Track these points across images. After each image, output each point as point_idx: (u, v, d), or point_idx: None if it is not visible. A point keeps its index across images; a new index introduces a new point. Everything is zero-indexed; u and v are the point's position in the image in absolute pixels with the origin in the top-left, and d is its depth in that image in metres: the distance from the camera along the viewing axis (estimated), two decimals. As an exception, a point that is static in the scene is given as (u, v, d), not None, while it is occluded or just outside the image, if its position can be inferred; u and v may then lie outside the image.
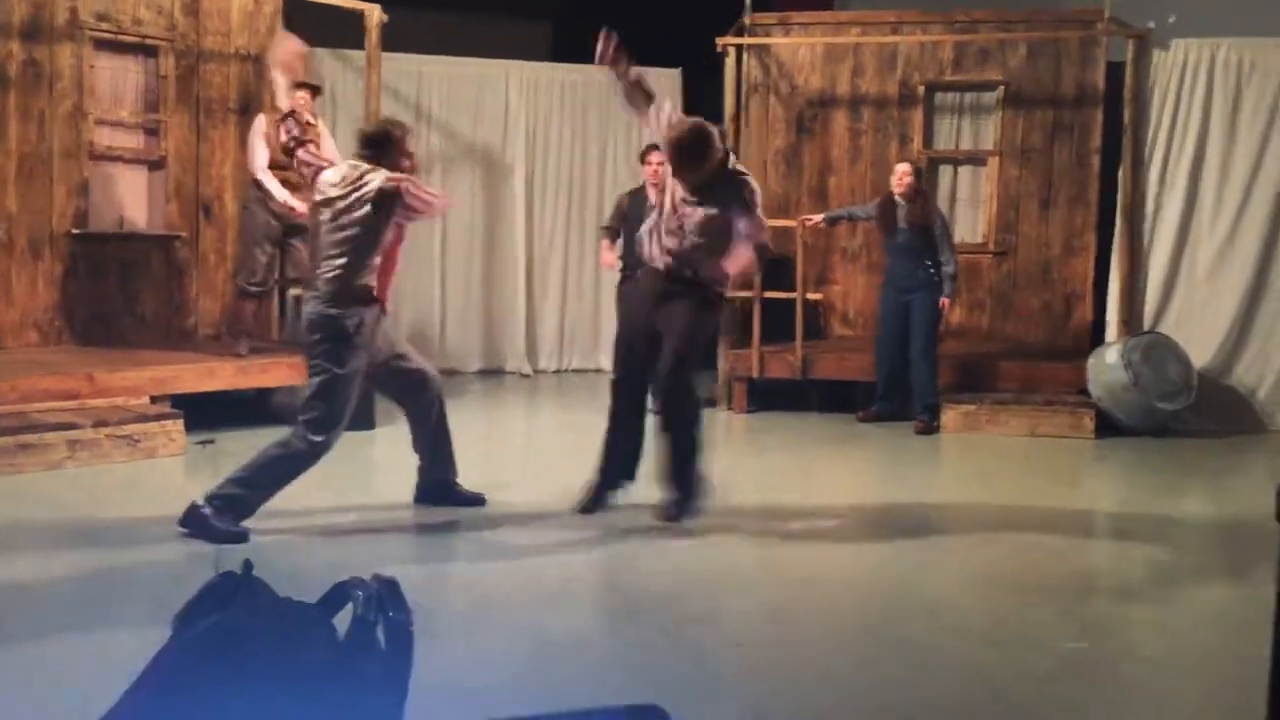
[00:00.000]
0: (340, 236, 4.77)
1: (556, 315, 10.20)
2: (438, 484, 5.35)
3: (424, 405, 5.23)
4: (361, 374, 4.88)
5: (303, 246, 6.81)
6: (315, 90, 7.35)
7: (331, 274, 4.77)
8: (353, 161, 4.90)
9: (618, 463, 5.28)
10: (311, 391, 4.81)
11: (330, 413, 4.78)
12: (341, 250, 4.77)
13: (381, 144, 4.90)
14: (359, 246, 4.76)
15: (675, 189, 5.11)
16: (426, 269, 9.81)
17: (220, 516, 4.68)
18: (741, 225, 4.94)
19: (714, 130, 5.06)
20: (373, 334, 4.87)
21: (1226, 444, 7.65)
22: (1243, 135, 8.05)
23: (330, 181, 4.84)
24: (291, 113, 5.11)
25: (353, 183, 4.78)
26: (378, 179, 4.76)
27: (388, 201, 4.73)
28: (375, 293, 4.85)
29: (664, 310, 5.11)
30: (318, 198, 4.89)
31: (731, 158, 5.17)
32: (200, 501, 4.70)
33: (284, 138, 5.12)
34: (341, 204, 4.77)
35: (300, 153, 4.98)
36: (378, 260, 4.83)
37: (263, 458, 4.78)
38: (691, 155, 4.93)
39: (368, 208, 4.72)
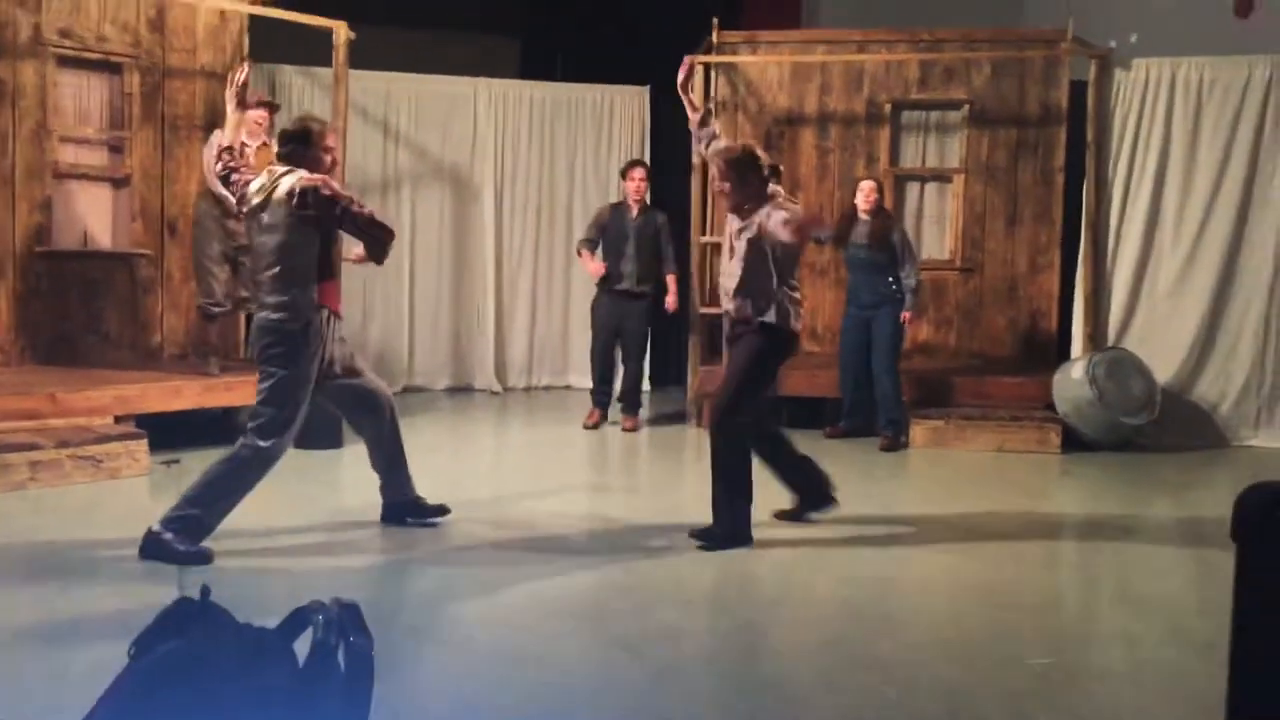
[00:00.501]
0: (272, 243, 4.74)
1: (526, 333, 10.19)
2: (400, 502, 5.33)
3: (378, 424, 5.21)
4: (311, 379, 4.81)
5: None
6: (273, 108, 7.33)
7: (271, 281, 4.73)
8: (270, 167, 4.88)
9: None
10: (261, 397, 4.77)
11: (278, 417, 4.73)
12: (275, 256, 4.73)
13: (298, 139, 4.85)
14: (290, 250, 4.72)
15: (730, 226, 5.22)
16: (395, 286, 9.77)
17: (180, 539, 4.63)
18: (771, 223, 4.97)
19: (761, 155, 5.18)
20: (323, 338, 4.82)
21: (1190, 458, 7.73)
22: (1204, 152, 8.15)
23: (253, 190, 4.82)
24: (230, 147, 5.05)
25: (270, 186, 4.75)
26: (291, 179, 4.73)
27: (306, 199, 4.68)
28: (319, 296, 4.79)
29: (732, 352, 5.29)
30: (245, 209, 4.88)
31: (773, 186, 5.24)
32: (157, 527, 4.65)
33: (219, 168, 5.04)
34: (263, 210, 4.75)
35: (232, 177, 4.95)
36: (313, 262, 4.78)
37: (212, 473, 4.73)
38: (734, 169, 5.11)
39: (287, 209, 4.68)
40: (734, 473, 5.17)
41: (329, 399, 5.15)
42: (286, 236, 4.71)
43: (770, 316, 5.11)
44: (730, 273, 5.18)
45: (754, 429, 5.25)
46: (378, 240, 4.87)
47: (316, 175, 4.77)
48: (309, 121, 4.98)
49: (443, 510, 5.36)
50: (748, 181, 5.11)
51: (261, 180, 4.81)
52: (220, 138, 7.13)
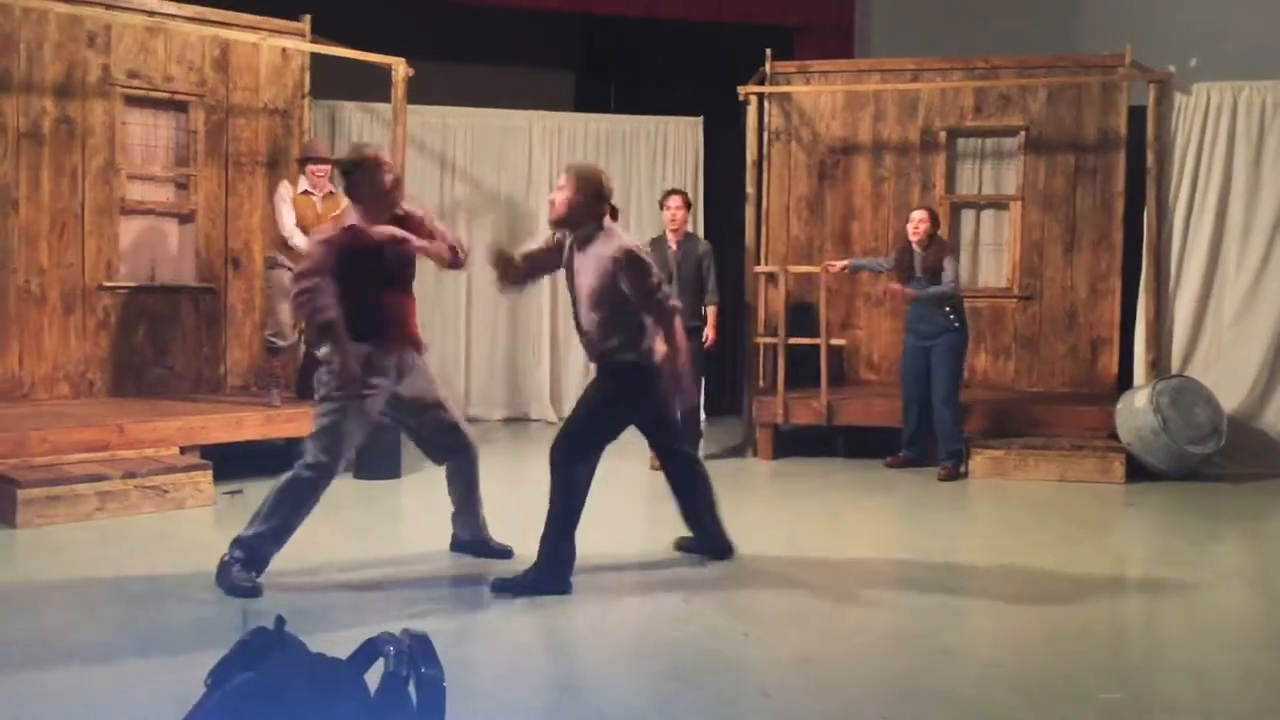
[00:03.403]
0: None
1: (581, 362, 10.22)
2: (465, 540, 5.40)
3: (453, 459, 5.27)
4: (368, 408, 4.86)
5: None
6: (332, 163, 7.57)
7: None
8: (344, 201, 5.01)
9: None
10: (318, 421, 4.86)
11: (331, 438, 4.80)
12: (342, 288, 4.81)
13: (354, 169, 4.90)
14: (350, 283, 4.80)
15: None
16: (452, 317, 9.87)
17: (243, 567, 4.70)
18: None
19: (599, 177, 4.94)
20: (392, 370, 4.91)
21: (1257, 488, 7.57)
22: (1267, 177, 8.04)
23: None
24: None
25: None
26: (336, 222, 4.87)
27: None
28: (369, 331, 4.84)
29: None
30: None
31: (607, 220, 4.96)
32: (225, 553, 4.75)
33: None
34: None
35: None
36: (378, 294, 4.85)
37: (273, 495, 4.80)
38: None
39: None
40: (554, 508, 4.91)
41: (408, 432, 5.27)
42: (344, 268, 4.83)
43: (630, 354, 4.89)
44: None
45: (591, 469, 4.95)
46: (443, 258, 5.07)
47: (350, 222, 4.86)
48: (360, 149, 5.05)
49: (506, 553, 5.35)
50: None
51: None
52: (288, 190, 7.37)
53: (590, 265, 4.86)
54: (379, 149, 5.08)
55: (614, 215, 5.08)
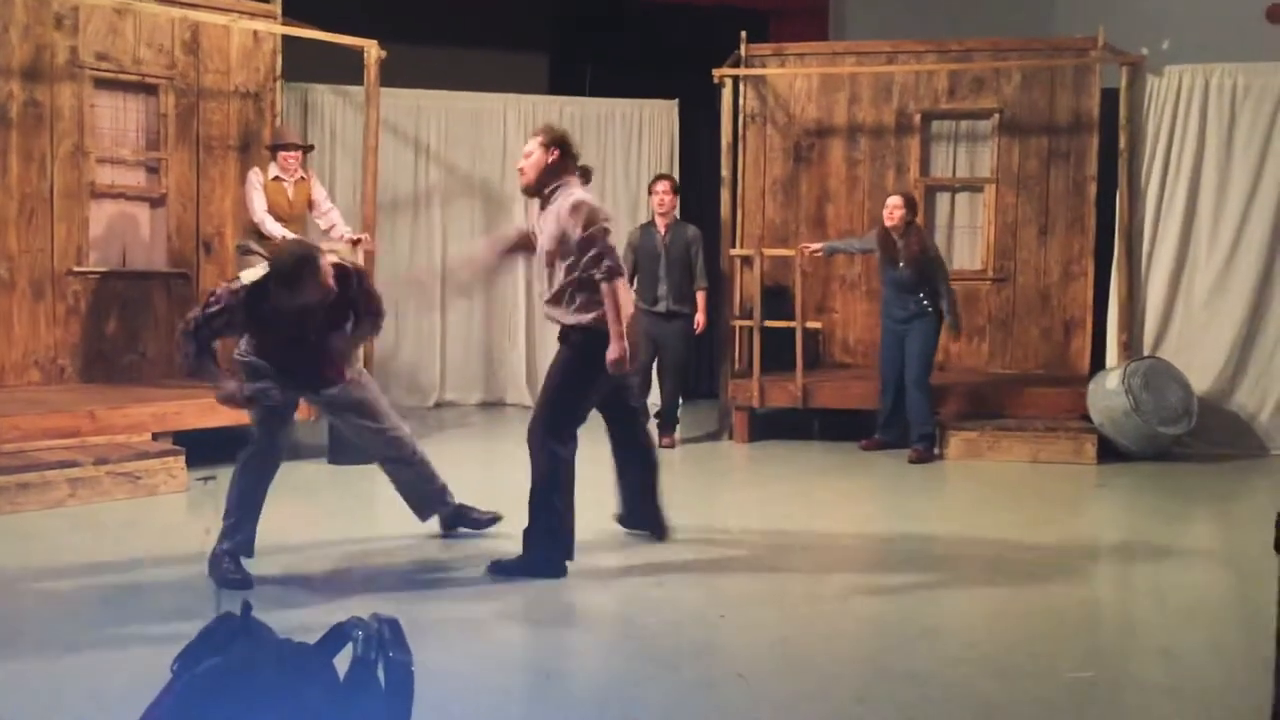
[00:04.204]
0: None
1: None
2: (446, 515, 5.40)
3: (397, 459, 5.25)
4: (272, 403, 4.80)
5: None
6: (305, 149, 7.62)
7: None
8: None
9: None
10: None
11: (261, 426, 4.83)
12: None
13: (288, 277, 4.52)
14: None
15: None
16: (427, 300, 9.82)
17: (232, 557, 4.68)
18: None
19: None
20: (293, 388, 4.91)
21: (1228, 468, 7.64)
22: (1238, 159, 8.08)
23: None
24: None
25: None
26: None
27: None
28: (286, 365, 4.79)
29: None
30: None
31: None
32: (214, 546, 4.73)
33: None
34: None
35: None
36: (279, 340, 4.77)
37: (233, 479, 4.83)
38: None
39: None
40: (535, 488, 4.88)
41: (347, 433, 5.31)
42: None
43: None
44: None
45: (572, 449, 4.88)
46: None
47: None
48: (299, 260, 4.56)
49: (494, 519, 5.42)
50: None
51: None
52: (259, 177, 7.33)
53: (550, 221, 4.81)
54: (320, 259, 4.60)
55: (586, 178, 4.99)
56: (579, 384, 4.89)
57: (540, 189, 4.87)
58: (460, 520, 5.41)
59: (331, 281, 4.59)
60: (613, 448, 5.33)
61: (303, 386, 4.95)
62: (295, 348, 4.79)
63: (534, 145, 4.85)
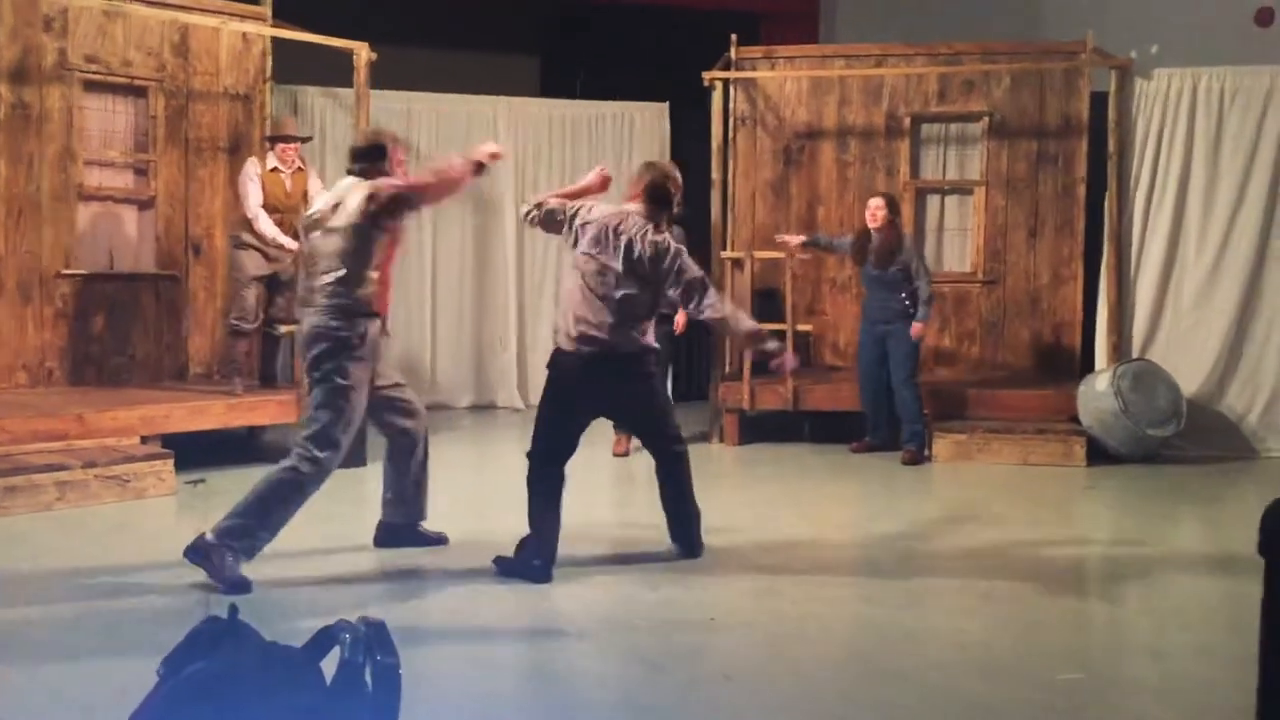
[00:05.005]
0: (333, 248, 4.74)
1: (549, 350, 10.18)
2: (400, 525, 5.26)
3: (409, 441, 5.16)
4: (366, 388, 4.78)
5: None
6: (302, 140, 7.56)
7: (329, 288, 4.71)
8: (346, 180, 4.87)
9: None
10: (316, 403, 4.71)
11: (335, 425, 4.68)
12: (337, 264, 4.72)
13: (370, 155, 4.83)
14: (352, 258, 4.71)
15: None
16: (417, 303, 9.82)
17: (234, 557, 4.56)
18: None
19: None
20: (375, 348, 4.81)
21: (1217, 470, 7.67)
22: (1226, 163, 8.12)
23: (319, 204, 4.89)
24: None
25: (340, 196, 4.78)
26: (360, 194, 4.72)
27: (377, 209, 4.69)
28: (375, 306, 4.78)
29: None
30: (305, 220, 4.94)
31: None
32: (211, 537, 4.56)
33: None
34: (331, 220, 4.75)
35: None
36: (374, 273, 4.76)
37: (267, 486, 4.65)
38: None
39: (360, 215, 4.69)
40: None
41: (367, 411, 5.13)
42: (349, 243, 4.70)
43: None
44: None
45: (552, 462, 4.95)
46: (451, 189, 5.02)
47: (384, 182, 4.78)
48: (380, 135, 4.99)
49: (441, 539, 5.28)
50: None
51: (328, 194, 4.88)
52: (256, 168, 7.29)
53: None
54: (399, 140, 4.99)
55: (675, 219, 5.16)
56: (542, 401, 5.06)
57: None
58: (409, 537, 5.25)
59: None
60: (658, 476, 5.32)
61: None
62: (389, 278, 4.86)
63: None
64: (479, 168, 4.92)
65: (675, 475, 5.24)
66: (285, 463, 4.70)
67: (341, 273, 4.70)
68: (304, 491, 4.70)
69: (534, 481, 4.92)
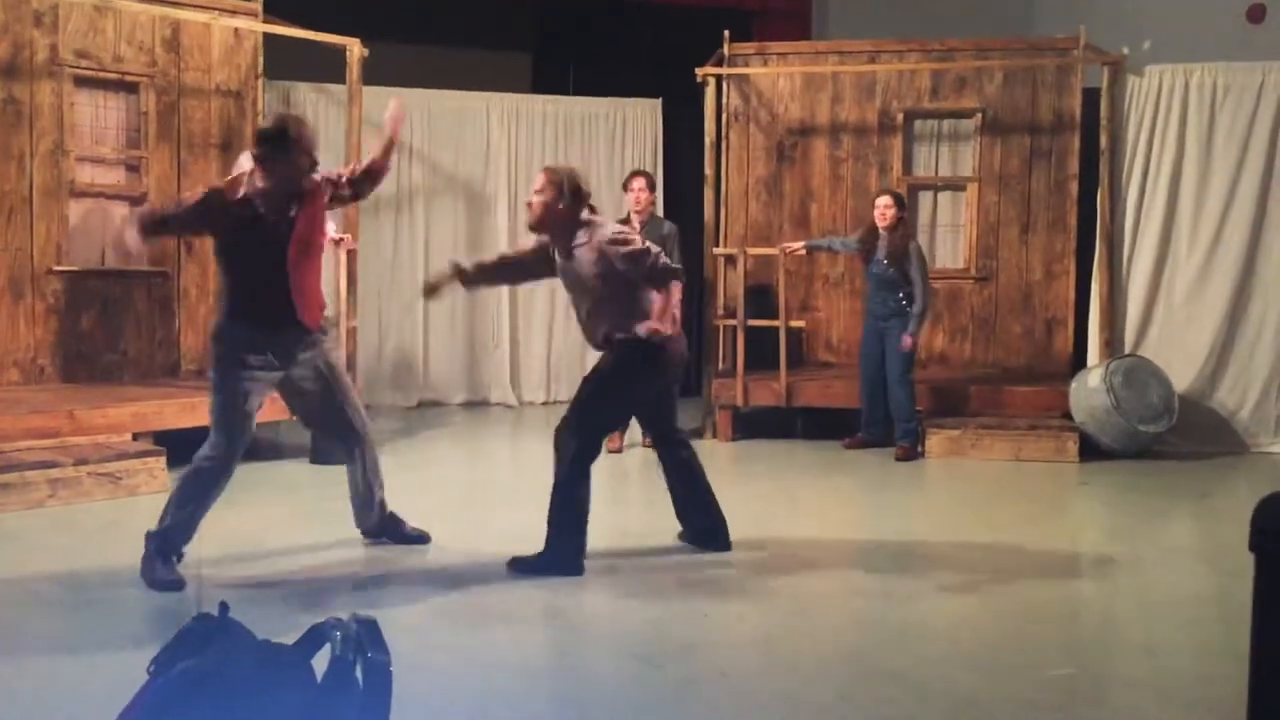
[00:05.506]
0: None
1: (543, 347, 10.20)
2: (370, 528, 5.23)
3: (350, 447, 5.07)
4: (241, 391, 4.67)
5: None
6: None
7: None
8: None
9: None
10: (210, 408, 4.76)
11: (223, 424, 4.67)
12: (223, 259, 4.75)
13: (275, 140, 4.60)
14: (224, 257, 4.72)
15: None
16: (409, 299, 9.80)
17: (162, 557, 4.59)
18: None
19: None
20: (274, 353, 4.69)
21: (1209, 465, 7.68)
22: (1218, 159, 8.13)
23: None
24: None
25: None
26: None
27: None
28: (236, 307, 4.67)
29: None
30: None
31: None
32: (145, 549, 4.64)
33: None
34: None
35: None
36: (238, 269, 4.65)
37: (180, 485, 4.71)
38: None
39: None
40: (557, 489, 4.90)
41: (300, 416, 5.10)
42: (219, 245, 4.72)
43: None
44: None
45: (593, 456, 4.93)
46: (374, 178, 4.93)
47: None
48: (286, 121, 4.70)
49: (424, 538, 5.25)
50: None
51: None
52: (249, 163, 7.22)
53: (585, 262, 4.82)
54: (305, 126, 4.72)
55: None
56: (615, 393, 4.96)
57: (548, 230, 4.91)
58: (387, 530, 5.23)
59: (315, 154, 4.66)
60: (663, 467, 5.35)
61: (284, 345, 4.69)
62: (272, 278, 4.60)
63: (542, 185, 4.86)
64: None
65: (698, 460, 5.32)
66: (192, 463, 4.73)
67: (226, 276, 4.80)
68: (211, 487, 4.69)
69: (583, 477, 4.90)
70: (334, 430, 5.09)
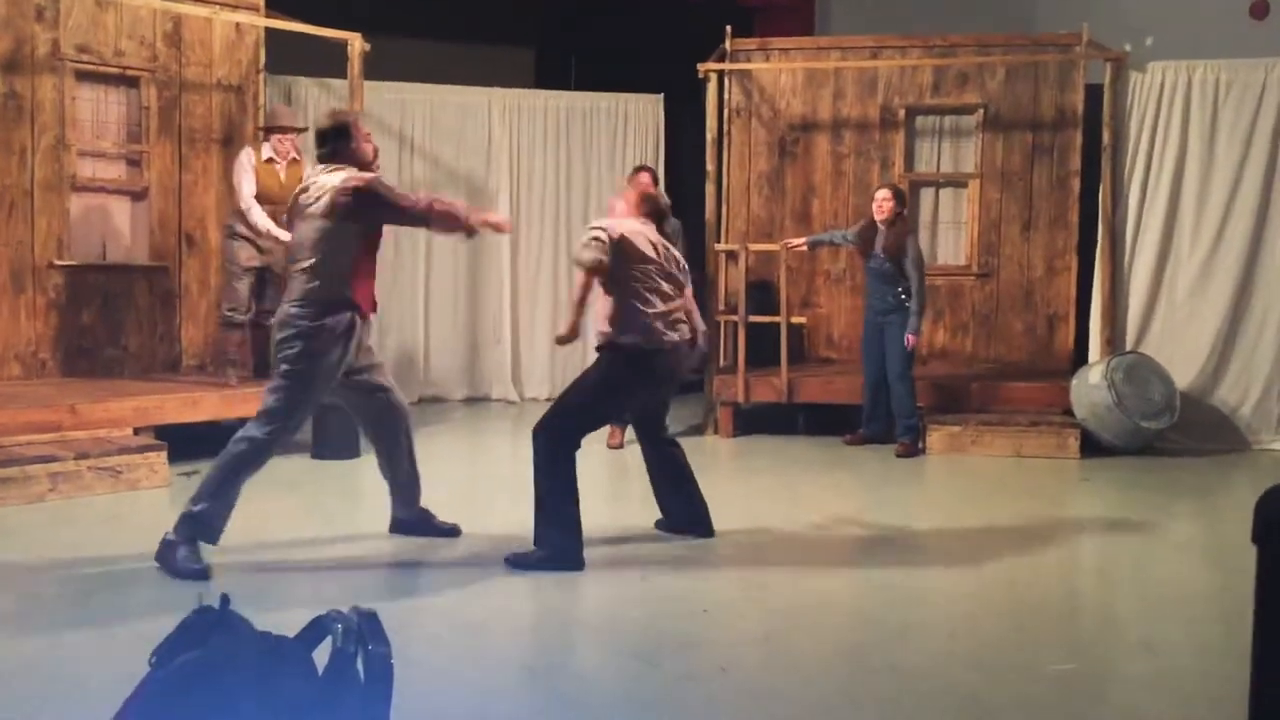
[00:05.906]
0: (309, 238, 4.72)
1: (545, 342, 10.19)
2: (407, 517, 5.28)
3: (392, 432, 5.12)
4: (324, 379, 4.74)
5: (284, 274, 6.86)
6: (297, 131, 7.48)
7: (302, 276, 4.71)
8: (319, 165, 4.85)
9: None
10: (270, 385, 4.75)
11: (281, 409, 4.69)
12: (309, 253, 4.72)
13: (335, 135, 4.79)
14: (324, 248, 4.69)
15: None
16: (411, 296, 9.81)
17: (188, 546, 4.60)
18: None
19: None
20: (344, 340, 4.75)
21: (1210, 462, 7.68)
22: (1220, 155, 8.12)
23: (302, 192, 4.84)
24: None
25: (318, 186, 4.74)
26: (339, 177, 4.70)
27: (353, 198, 4.65)
28: (348, 297, 4.74)
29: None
30: (289, 207, 4.93)
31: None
32: (171, 534, 4.64)
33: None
34: (309, 206, 4.72)
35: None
36: (347, 263, 4.72)
37: (214, 466, 4.71)
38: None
39: (331, 206, 4.65)
40: (539, 487, 4.93)
41: (346, 403, 5.14)
42: (323, 233, 4.67)
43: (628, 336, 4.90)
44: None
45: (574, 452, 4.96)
46: (443, 222, 4.87)
47: (366, 174, 4.75)
48: (340, 115, 4.97)
49: (454, 531, 5.30)
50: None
51: (310, 181, 4.82)
52: (250, 158, 7.24)
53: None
54: (359, 116, 4.99)
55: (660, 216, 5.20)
56: (603, 398, 5.04)
57: None
58: (420, 522, 5.27)
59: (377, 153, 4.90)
60: (647, 466, 5.42)
61: (363, 334, 4.84)
62: (374, 268, 4.85)
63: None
64: (472, 231, 4.94)
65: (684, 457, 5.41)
66: (235, 445, 4.73)
67: (312, 261, 4.70)
68: (246, 465, 4.70)
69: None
70: (381, 415, 5.11)
